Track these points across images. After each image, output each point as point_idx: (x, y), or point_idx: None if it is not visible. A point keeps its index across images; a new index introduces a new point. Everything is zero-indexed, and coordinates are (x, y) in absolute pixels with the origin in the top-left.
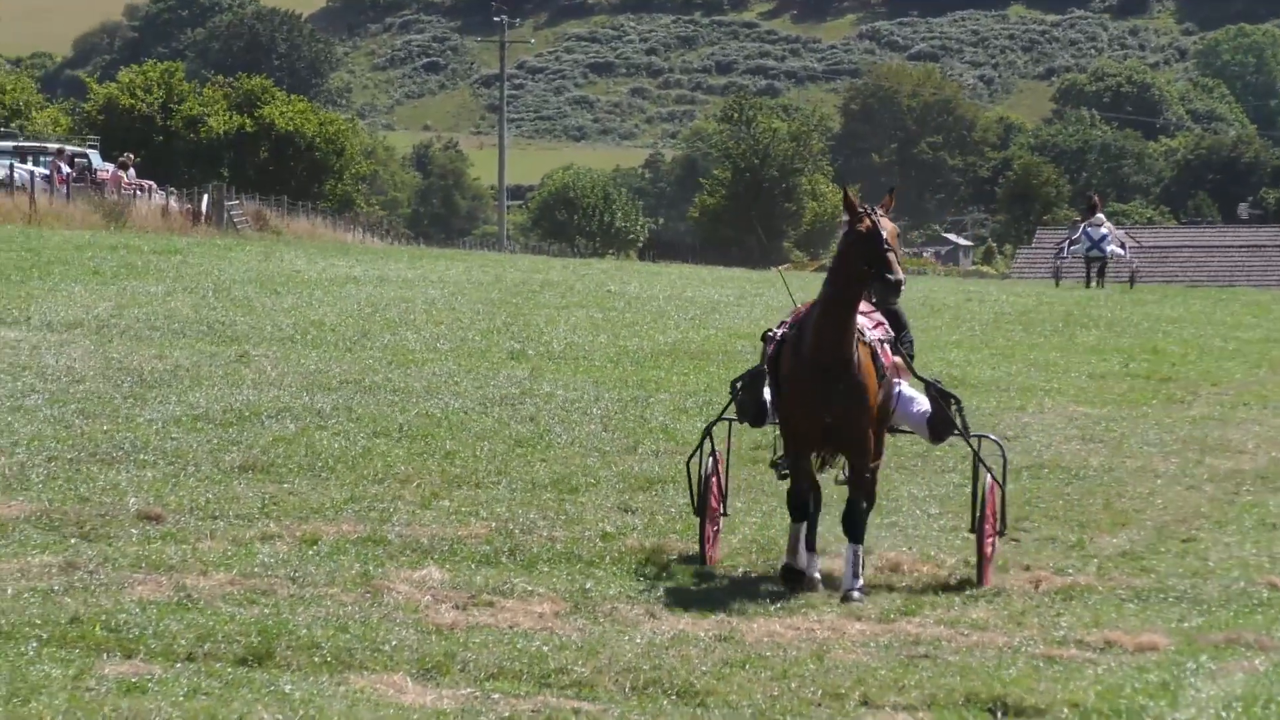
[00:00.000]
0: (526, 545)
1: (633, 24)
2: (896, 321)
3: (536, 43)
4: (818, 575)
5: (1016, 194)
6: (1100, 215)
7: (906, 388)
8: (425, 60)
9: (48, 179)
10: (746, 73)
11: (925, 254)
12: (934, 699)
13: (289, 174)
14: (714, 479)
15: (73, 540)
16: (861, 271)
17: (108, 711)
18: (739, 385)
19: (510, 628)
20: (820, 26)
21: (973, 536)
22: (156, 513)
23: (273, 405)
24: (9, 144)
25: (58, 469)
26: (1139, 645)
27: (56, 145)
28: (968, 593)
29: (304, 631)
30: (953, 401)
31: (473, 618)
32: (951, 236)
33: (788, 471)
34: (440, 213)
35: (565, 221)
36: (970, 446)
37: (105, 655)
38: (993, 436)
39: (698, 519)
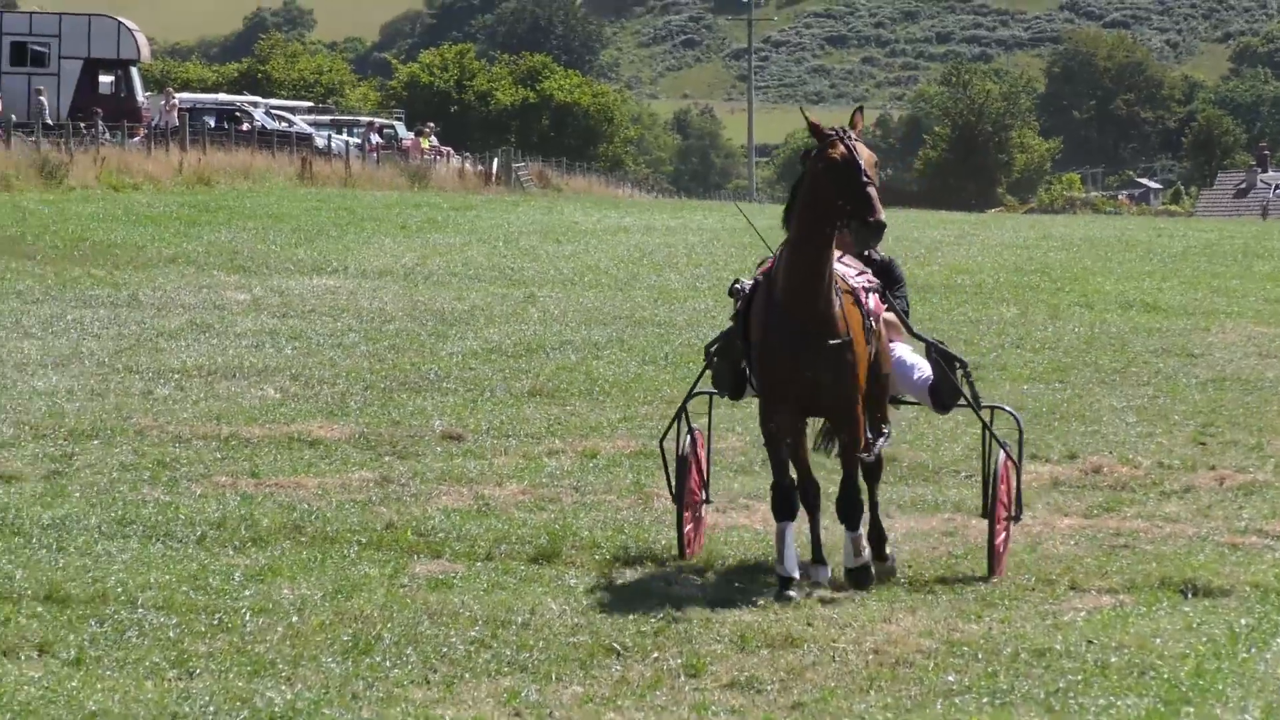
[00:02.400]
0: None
1: (863, 2)
2: (889, 275)
3: (779, 20)
4: (825, 584)
5: (1199, 143)
6: None
7: (906, 350)
8: (683, 37)
9: (360, 147)
10: (962, 41)
11: (1120, 196)
12: (1132, 583)
13: (567, 139)
14: (693, 461)
15: (386, 458)
16: (835, 208)
17: (419, 604)
18: (713, 351)
19: (762, 526)
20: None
21: (991, 521)
22: (458, 433)
23: (556, 339)
24: (327, 117)
25: (373, 396)
26: None
27: (367, 118)
28: (1161, 488)
29: (586, 533)
30: (958, 365)
31: (729, 519)
32: (1144, 180)
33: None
34: (698, 169)
35: None
36: (980, 419)
37: (416, 556)
38: (1007, 408)
39: (675, 506)
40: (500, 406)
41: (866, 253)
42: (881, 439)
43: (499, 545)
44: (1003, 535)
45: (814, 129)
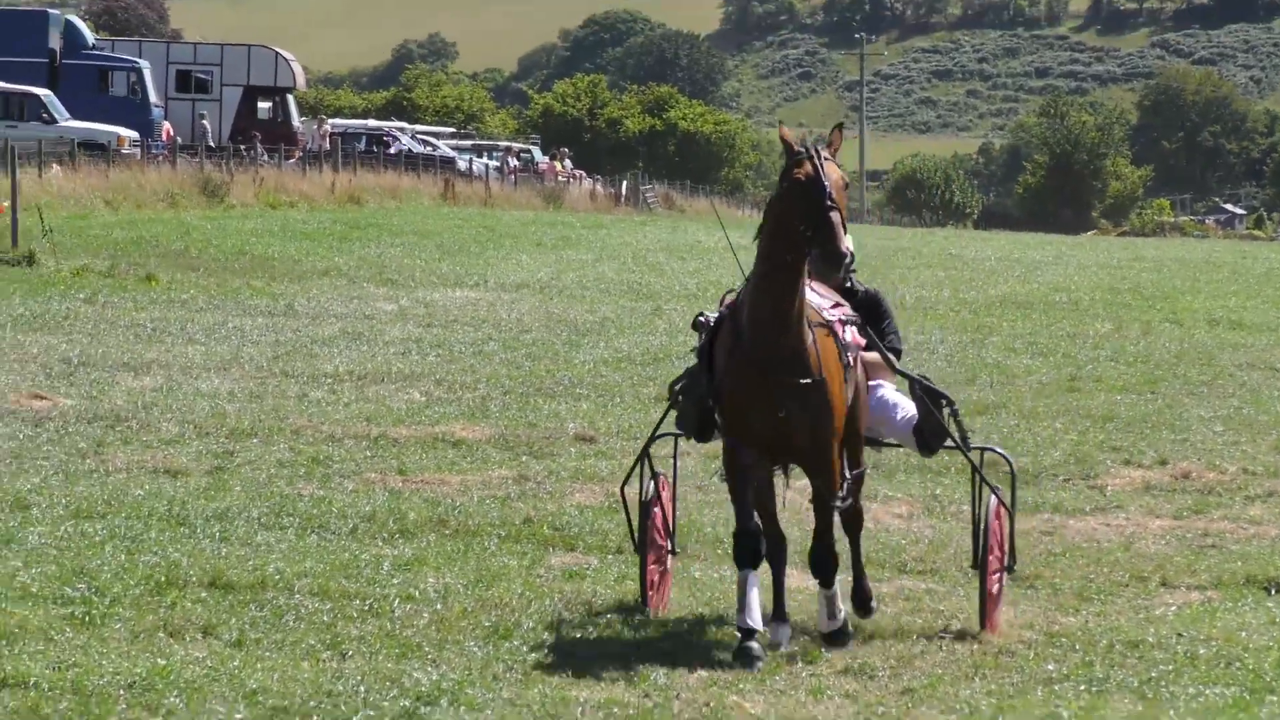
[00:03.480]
0: (887, 460)
1: (967, 38)
2: (875, 309)
3: (889, 54)
4: (784, 645)
5: None
6: None
7: (889, 389)
8: (799, 70)
9: (499, 170)
10: (1059, 76)
11: (1207, 220)
12: (1220, 580)
13: (690, 164)
14: (657, 508)
15: (524, 457)
16: (797, 233)
17: (555, 593)
18: (678, 390)
19: (874, 524)
20: (1119, 38)
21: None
22: (590, 435)
23: (681, 348)
24: (468, 142)
25: (511, 400)
26: None
27: (506, 143)
28: (1246, 492)
29: (709, 529)
30: (944, 403)
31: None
32: (1228, 206)
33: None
34: None
35: (914, 198)
36: (969, 460)
37: (551, 549)
38: (999, 449)
39: (639, 557)
40: (629, 410)
41: (849, 284)
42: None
43: (628, 540)
44: (996, 587)
45: (786, 145)
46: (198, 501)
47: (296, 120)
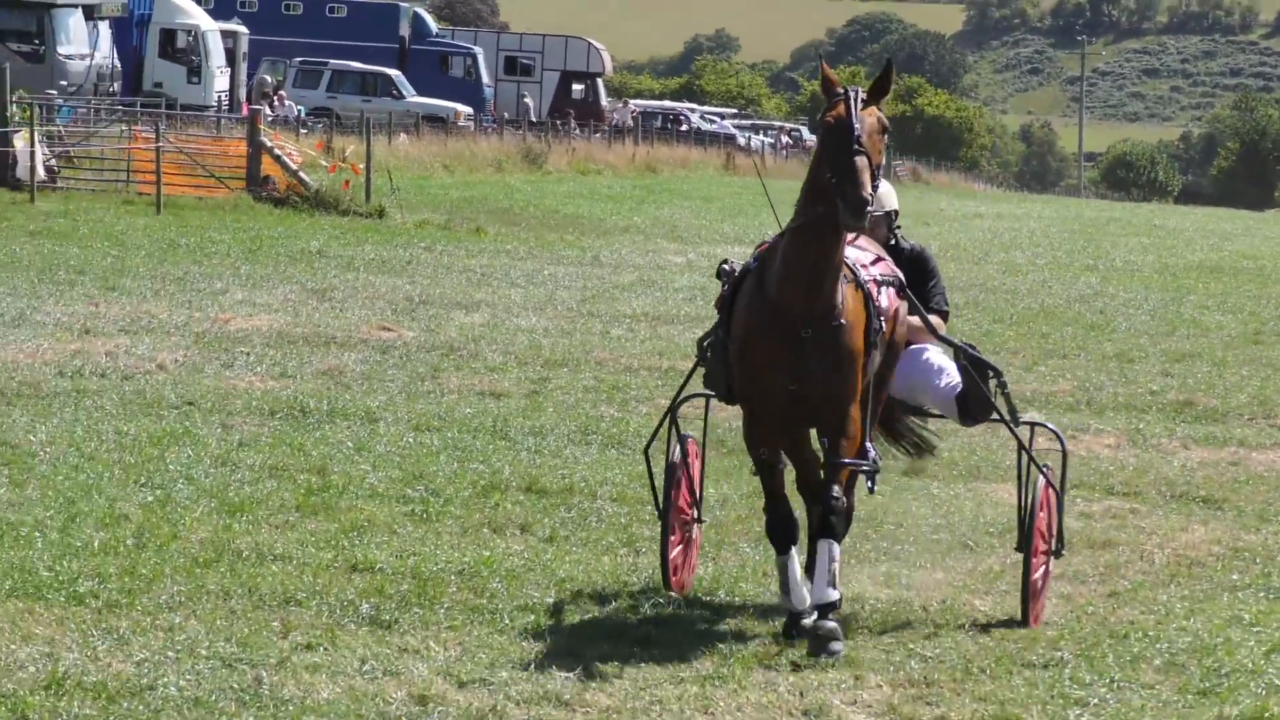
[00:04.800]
0: (1098, 399)
1: (1173, 42)
2: (921, 268)
3: (1106, 54)
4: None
5: None
6: None
7: (936, 353)
8: (1029, 66)
9: (773, 146)
10: (1251, 75)
11: None
12: None
13: (935, 143)
14: (683, 473)
15: None
16: (826, 182)
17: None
18: (705, 345)
19: (1086, 452)
20: None
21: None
22: None
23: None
24: (748, 122)
25: None
26: None
27: (779, 123)
28: None
29: (945, 455)
30: (990, 374)
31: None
32: None
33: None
34: (1037, 170)
35: (1123, 177)
36: (1016, 437)
37: None
38: (1049, 425)
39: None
40: None
41: (893, 241)
42: (866, 464)
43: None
44: (1040, 570)
45: (825, 83)
46: (517, 419)
47: (604, 100)
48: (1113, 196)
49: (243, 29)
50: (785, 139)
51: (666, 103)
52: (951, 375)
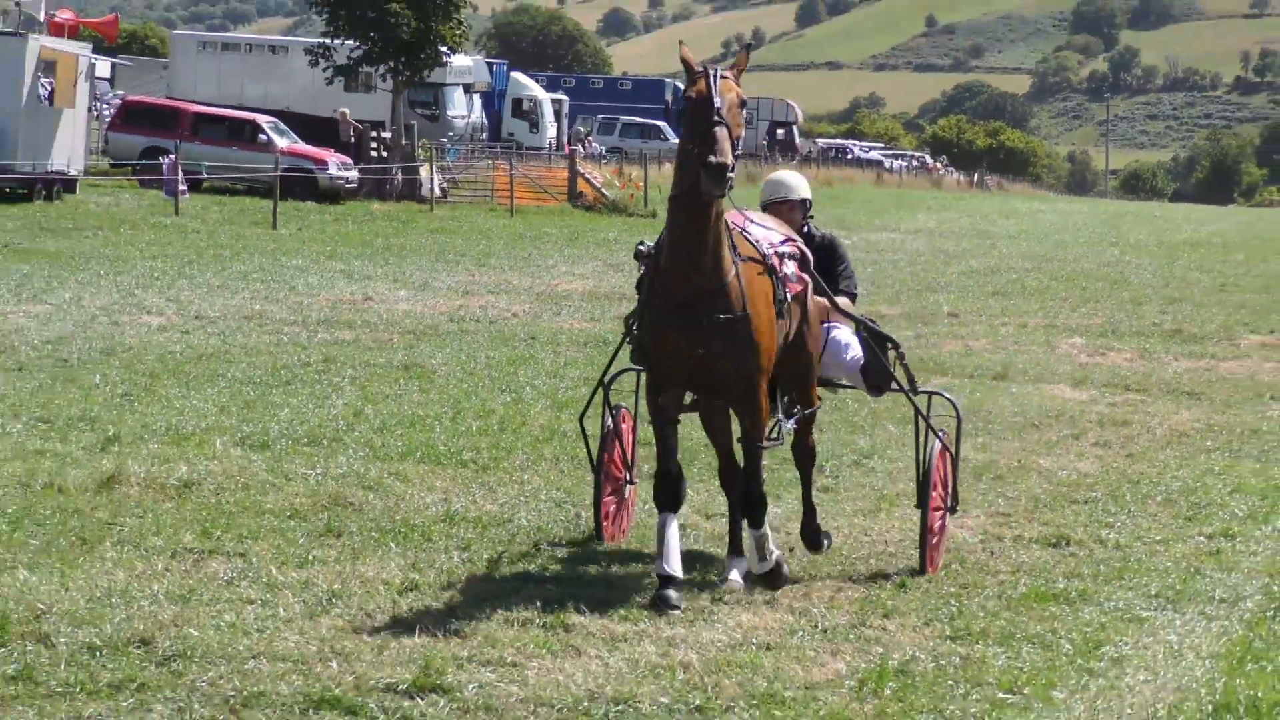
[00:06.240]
0: (1119, 328)
1: (1167, 96)
2: (831, 254)
3: (1123, 105)
4: (740, 581)
5: None
6: None
7: (844, 331)
8: (1073, 114)
9: (906, 167)
10: (1218, 119)
11: None
12: None
13: (1012, 164)
14: (616, 440)
15: (906, 332)
16: (692, 156)
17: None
18: (631, 322)
19: (1111, 364)
20: None
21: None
22: (956, 313)
23: (1007, 266)
24: (890, 151)
25: (905, 293)
26: None
27: (910, 152)
28: None
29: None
30: (890, 346)
31: (1101, 359)
32: None
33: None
34: (1079, 182)
35: (1135, 185)
36: (913, 404)
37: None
38: (945, 394)
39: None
40: (979, 300)
41: (806, 229)
42: (790, 421)
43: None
44: (937, 526)
45: (685, 65)
46: None
47: (797, 139)
48: (1127, 198)
49: (565, 97)
50: (914, 162)
51: (837, 140)
52: (856, 350)
